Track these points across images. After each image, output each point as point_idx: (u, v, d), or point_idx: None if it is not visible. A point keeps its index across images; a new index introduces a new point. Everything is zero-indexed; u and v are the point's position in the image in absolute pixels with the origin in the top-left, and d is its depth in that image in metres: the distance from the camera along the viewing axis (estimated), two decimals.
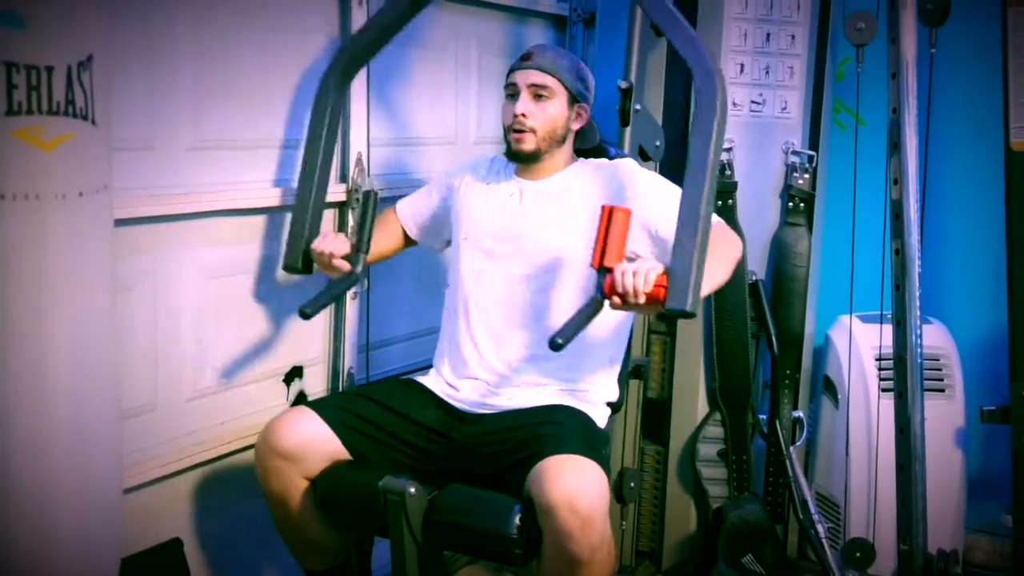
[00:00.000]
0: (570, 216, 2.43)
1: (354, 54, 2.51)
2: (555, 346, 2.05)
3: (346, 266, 2.44)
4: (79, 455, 1.74)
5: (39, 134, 1.57)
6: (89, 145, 1.66)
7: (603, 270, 2.10)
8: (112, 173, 1.75)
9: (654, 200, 2.38)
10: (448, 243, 2.68)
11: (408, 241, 2.72)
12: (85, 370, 1.72)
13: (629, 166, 2.51)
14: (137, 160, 2.21)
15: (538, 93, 2.43)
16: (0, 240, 1.58)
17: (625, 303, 2.08)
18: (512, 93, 2.46)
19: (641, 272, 2.05)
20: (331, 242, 2.45)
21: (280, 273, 2.58)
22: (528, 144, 2.44)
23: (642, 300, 2.06)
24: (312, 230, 2.46)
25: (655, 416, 3.26)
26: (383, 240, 2.63)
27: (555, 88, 2.44)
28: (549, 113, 2.44)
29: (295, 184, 2.55)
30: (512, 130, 2.45)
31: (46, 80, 1.56)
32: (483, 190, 2.55)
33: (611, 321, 2.47)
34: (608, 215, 2.11)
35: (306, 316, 2.39)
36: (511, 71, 2.49)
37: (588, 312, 2.13)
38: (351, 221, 2.70)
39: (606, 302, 2.12)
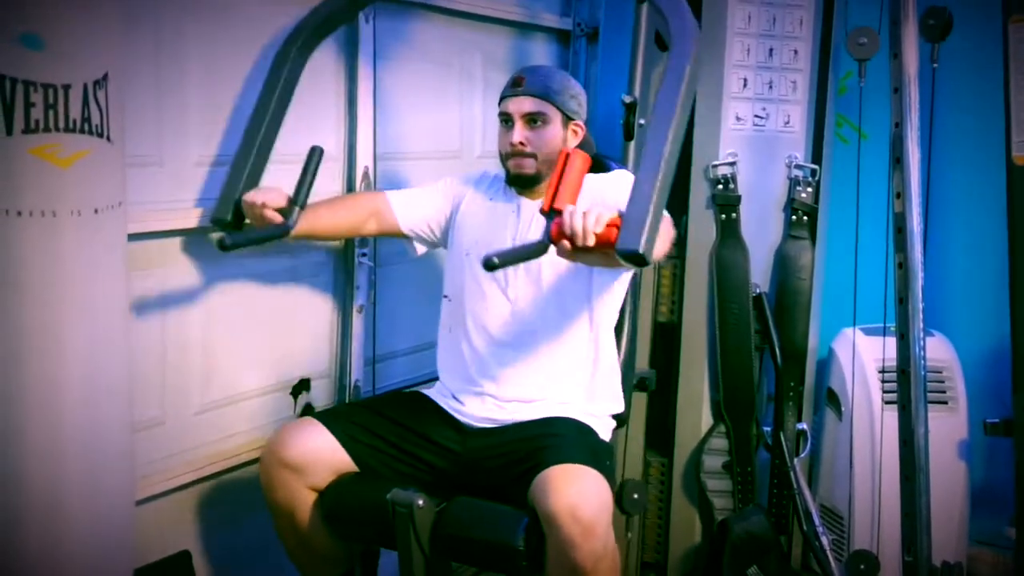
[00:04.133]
0: None
1: (320, 21, 2.45)
2: (488, 265, 1.92)
3: (278, 218, 2.31)
4: (92, 468, 1.76)
5: (56, 151, 1.59)
6: (104, 162, 1.68)
7: (553, 212, 1.97)
8: (126, 189, 1.77)
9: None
10: (429, 246, 2.66)
11: (383, 230, 2.60)
12: (99, 384, 1.74)
13: (624, 177, 2.52)
14: (147, 175, 2.23)
15: (532, 119, 2.43)
16: (17, 256, 1.60)
17: (574, 247, 1.95)
18: (506, 120, 2.47)
19: (593, 213, 1.93)
20: (266, 193, 2.32)
21: (288, 287, 2.60)
22: (529, 168, 2.45)
23: (591, 242, 1.92)
24: (248, 186, 2.35)
25: (660, 426, 3.28)
26: (356, 217, 2.55)
27: (549, 113, 2.44)
28: (546, 138, 2.44)
29: None
30: (511, 156, 2.46)
31: (63, 98, 1.59)
32: (484, 206, 2.56)
33: (610, 337, 2.49)
34: (565, 157, 2.01)
35: (224, 247, 2.23)
36: (503, 98, 2.49)
37: (530, 251, 2.01)
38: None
39: (552, 247, 1.98)
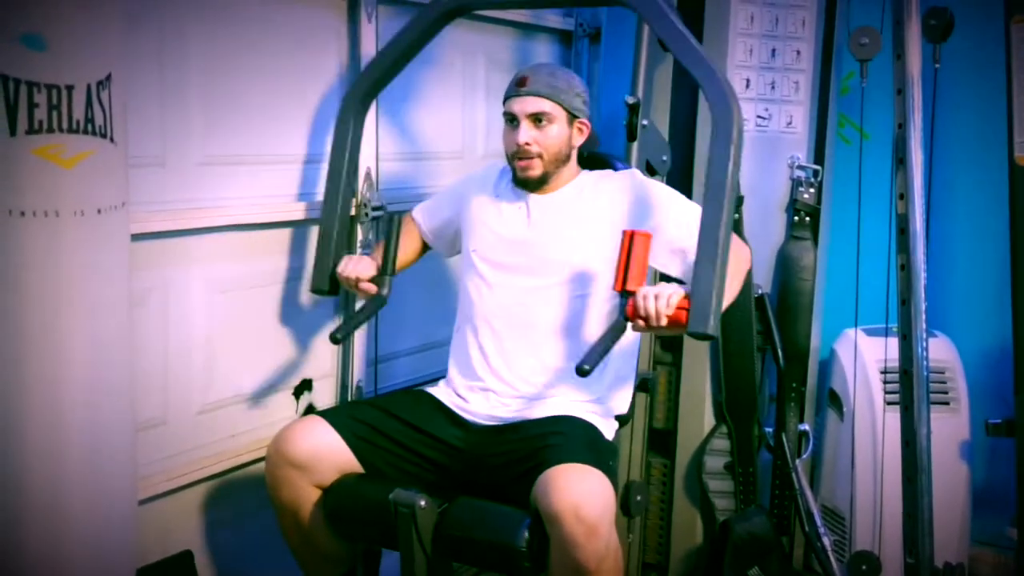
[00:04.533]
0: (576, 228, 2.45)
1: (373, 77, 2.54)
2: (582, 372, 2.10)
3: (373, 288, 2.49)
4: (94, 467, 1.76)
5: (59, 152, 1.59)
6: (107, 162, 1.69)
7: (625, 294, 2.15)
8: (129, 190, 1.77)
9: (669, 213, 2.41)
10: (459, 251, 2.69)
11: (427, 246, 2.72)
12: (101, 383, 1.75)
13: (637, 177, 2.53)
14: (149, 176, 2.23)
15: (537, 119, 2.43)
16: (19, 256, 1.60)
17: (648, 325, 2.13)
18: (511, 120, 2.47)
19: (663, 296, 2.10)
20: (357, 266, 2.49)
21: (290, 287, 2.60)
22: (536, 170, 2.45)
23: (664, 323, 2.11)
24: (338, 252, 2.51)
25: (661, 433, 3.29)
26: (405, 247, 2.64)
27: (553, 112, 2.43)
28: (551, 137, 2.44)
29: (303, 198, 2.58)
30: (517, 157, 2.46)
31: (66, 99, 1.59)
32: (492, 202, 2.57)
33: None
34: (629, 239, 2.15)
35: (337, 341, 2.48)
36: (507, 97, 2.48)
37: (612, 335, 2.19)
38: (360, 235, 2.71)
39: (629, 325, 2.17)
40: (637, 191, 2.47)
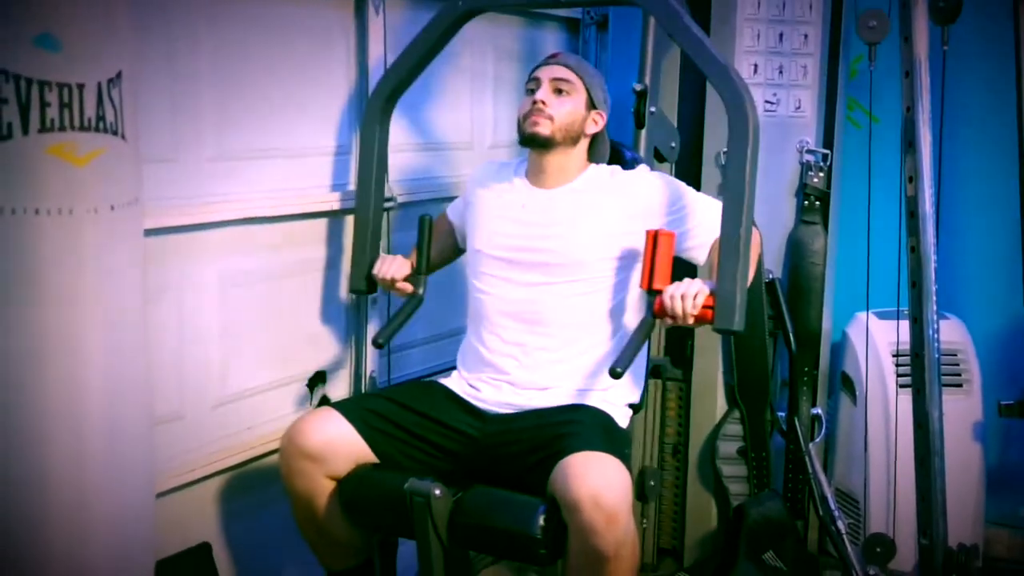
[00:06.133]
0: (585, 222, 2.45)
1: (396, 79, 2.60)
2: (615, 374, 2.20)
3: (409, 288, 2.59)
4: (113, 462, 1.77)
5: (72, 150, 1.60)
6: (120, 159, 1.69)
7: (652, 292, 2.25)
8: (142, 186, 1.78)
9: (696, 216, 2.43)
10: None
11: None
12: (119, 379, 1.75)
13: (647, 178, 2.53)
14: (161, 172, 2.24)
15: (559, 88, 2.47)
16: (35, 254, 1.61)
17: (675, 322, 2.23)
18: (533, 88, 2.49)
19: (689, 296, 2.18)
20: (392, 266, 2.59)
21: (302, 280, 2.62)
22: (544, 128, 2.45)
23: (691, 322, 2.21)
24: (372, 251, 2.62)
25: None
26: (441, 246, 2.69)
27: (577, 85, 2.47)
28: (568, 107, 2.47)
29: (314, 191, 2.60)
30: (529, 115, 2.47)
31: (78, 97, 1.60)
32: (494, 199, 2.57)
33: (630, 326, 2.50)
34: (653, 239, 2.23)
35: (379, 345, 2.59)
36: (535, 69, 2.53)
37: (642, 333, 2.29)
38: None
39: (658, 322, 2.28)
40: (654, 190, 2.47)
